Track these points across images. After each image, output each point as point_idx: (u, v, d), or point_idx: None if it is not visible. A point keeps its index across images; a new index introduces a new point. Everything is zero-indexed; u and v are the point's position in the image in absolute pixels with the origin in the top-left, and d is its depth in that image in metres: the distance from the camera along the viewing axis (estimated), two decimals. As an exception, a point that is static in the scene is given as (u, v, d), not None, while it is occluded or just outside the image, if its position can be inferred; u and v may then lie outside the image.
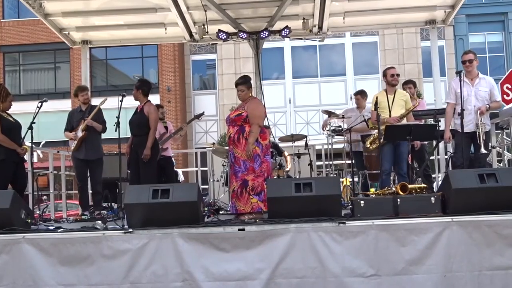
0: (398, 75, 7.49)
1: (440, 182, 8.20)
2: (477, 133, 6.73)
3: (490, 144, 6.99)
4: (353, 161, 8.78)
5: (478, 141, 6.72)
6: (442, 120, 7.55)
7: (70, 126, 7.98)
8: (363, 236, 5.08)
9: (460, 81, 6.70)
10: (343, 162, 11.23)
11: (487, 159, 10.73)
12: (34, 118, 6.80)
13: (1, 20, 27.48)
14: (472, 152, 7.01)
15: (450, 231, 5.04)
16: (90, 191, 8.18)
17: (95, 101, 8.37)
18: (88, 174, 8.04)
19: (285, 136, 10.14)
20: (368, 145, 7.72)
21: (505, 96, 11.61)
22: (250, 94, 6.74)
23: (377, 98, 7.07)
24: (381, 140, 7.38)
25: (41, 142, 21.12)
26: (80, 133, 7.78)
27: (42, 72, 27.75)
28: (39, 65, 27.70)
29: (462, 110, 6.66)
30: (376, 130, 7.26)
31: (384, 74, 7.55)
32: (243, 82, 6.74)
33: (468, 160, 6.82)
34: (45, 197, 11.44)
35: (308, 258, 5.07)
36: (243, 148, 6.41)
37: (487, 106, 6.82)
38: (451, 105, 7.09)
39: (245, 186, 6.36)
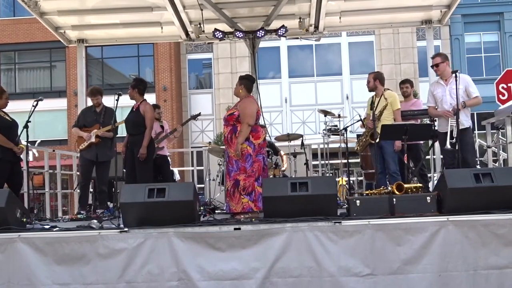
0: (368, 81, 7.68)
1: (436, 182, 8.23)
2: (449, 130, 6.78)
3: (453, 140, 6.97)
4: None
5: (450, 137, 6.78)
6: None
7: (81, 124, 7.98)
8: (359, 236, 5.08)
9: (456, 81, 6.73)
10: (339, 161, 11.26)
11: (483, 159, 10.79)
12: (29, 117, 6.79)
13: (-3, 19, 27.44)
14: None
15: (446, 231, 5.05)
16: (94, 190, 8.19)
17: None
18: (94, 173, 8.07)
19: (281, 136, 10.15)
20: (356, 147, 8.06)
21: (500, 96, 11.66)
22: (244, 94, 6.72)
23: (372, 98, 7.44)
24: (366, 140, 7.60)
25: (36, 141, 21.09)
26: (93, 138, 7.80)
27: (38, 71, 27.66)
28: (35, 64, 27.60)
29: (458, 109, 6.70)
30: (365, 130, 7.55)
31: None
32: (241, 78, 6.81)
33: (455, 159, 6.92)
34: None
35: (304, 257, 5.07)
36: (235, 148, 6.42)
37: (462, 102, 6.84)
38: (431, 107, 7.26)
39: (237, 186, 6.37)
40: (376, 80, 7.60)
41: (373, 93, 7.73)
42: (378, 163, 7.26)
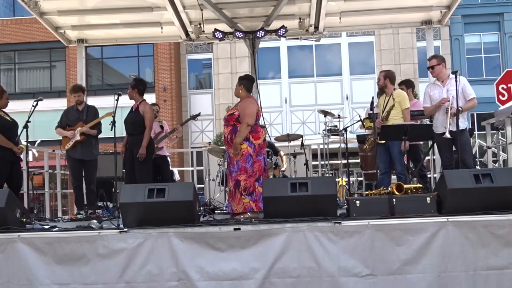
0: (379, 79, 7.69)
1: (435, 182, 8.23)
2: (449, 116, 6.77)
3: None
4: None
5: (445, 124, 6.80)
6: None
7: (64, 124, 7.94)
8: (358, 236, 5.09)
9: (456, 82, 6.73)
10: (338, 162, 11.26)
11: (483, 159, 10.78)
12: (29, 117, 6.79)
13: (-3, 19, 27.43)
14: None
15: (446, 231, 5.05)
16: (85, 191, 8.16)
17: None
18: (83, 173, 8.04)
19: (281, 136, 10.14)
20: (365, 146, 7.99)
21: (500, 96, 11.67)
22: (244, 94, 6.72)
23: (372, 98, 7.30)
24: (371, 140, 7.52)
25: (36, 141, 21.09)
26: (78, 136, 7.76)
27: (38, 71, 27.66)
28: (35, 64, 27.61)
29: (458, 110, 6.70)
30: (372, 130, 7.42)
31: None
32: (240, 78, 6.81)
33: (453, 160, 6.90)
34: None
35: (303, 257, 5.08)
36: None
37: (460, 108, 6.81)
38: (426, 107, 7.26)
39: (237, 186, 6.37)
40: (387, 79, 7.58)
41: (374, 94, 7.73)
42: (381, 162, 7.26)
